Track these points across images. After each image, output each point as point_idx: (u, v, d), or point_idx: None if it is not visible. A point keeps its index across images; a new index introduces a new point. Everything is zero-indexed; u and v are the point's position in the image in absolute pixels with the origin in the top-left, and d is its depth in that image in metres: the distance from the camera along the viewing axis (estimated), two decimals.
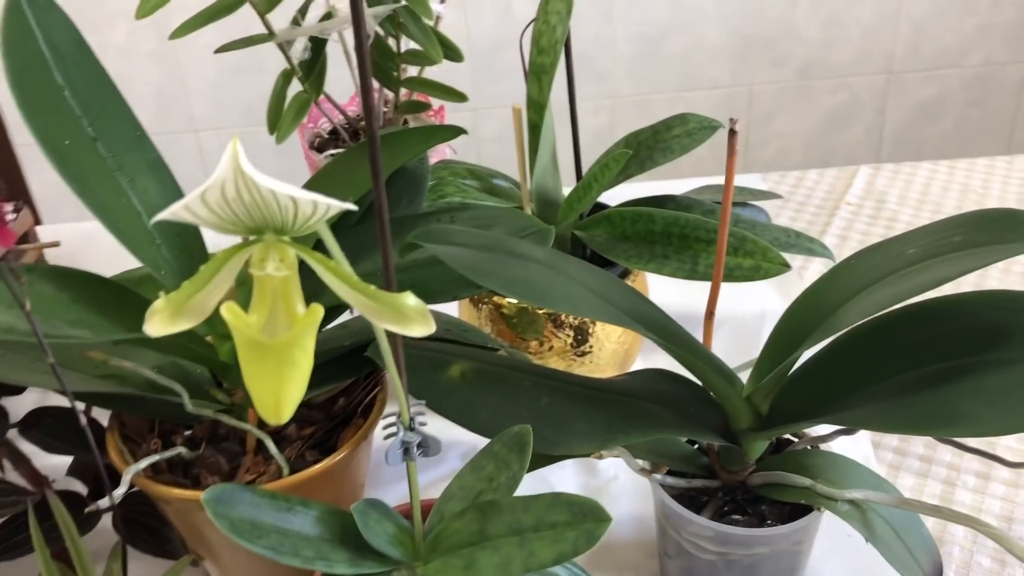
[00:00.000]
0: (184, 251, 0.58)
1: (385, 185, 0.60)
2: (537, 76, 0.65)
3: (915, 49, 2.01)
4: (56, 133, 0.53)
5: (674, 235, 0.63)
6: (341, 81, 0.91)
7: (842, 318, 0.52)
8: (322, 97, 0.89)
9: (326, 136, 0.94)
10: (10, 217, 0.45)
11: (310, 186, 0.58)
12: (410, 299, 0.32)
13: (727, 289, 0.58)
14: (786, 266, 0.60)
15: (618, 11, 1.94)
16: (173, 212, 0.28)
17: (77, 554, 0.45)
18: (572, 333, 0.72)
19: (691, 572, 0.58)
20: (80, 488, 0.65)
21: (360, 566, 0.46)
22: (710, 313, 0.56)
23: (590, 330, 0.72)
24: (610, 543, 0.67)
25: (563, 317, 0.71)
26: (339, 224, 0.59)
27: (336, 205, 0.28)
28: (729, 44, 2.00)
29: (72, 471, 0.65)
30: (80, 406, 0.63)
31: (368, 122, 0.34)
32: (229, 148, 0.26)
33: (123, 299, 0.57)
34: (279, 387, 0.31)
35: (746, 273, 0.60)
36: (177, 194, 0.58)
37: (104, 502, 0.51)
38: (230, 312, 0.30)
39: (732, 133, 0.50)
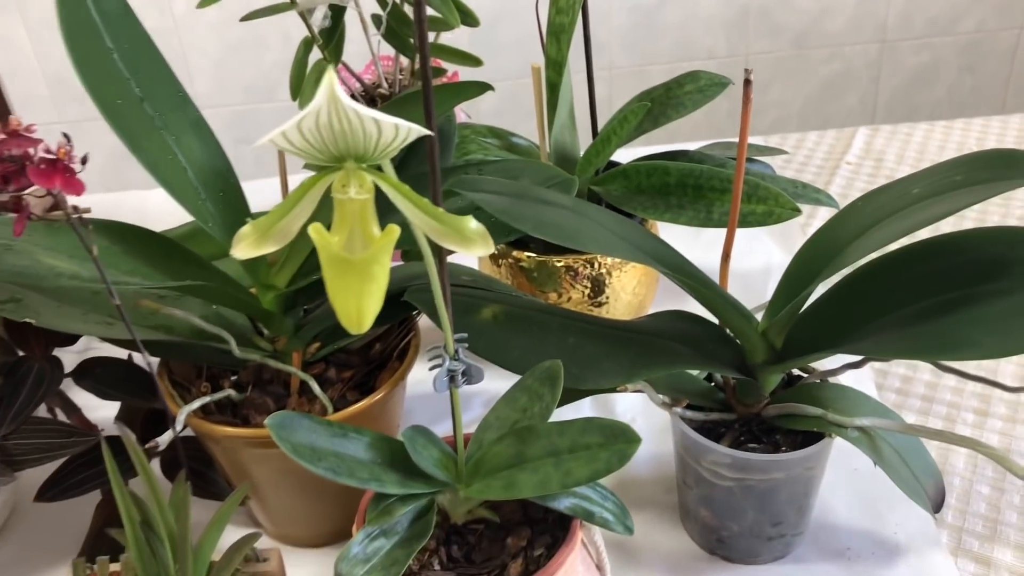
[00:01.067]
0: (228, 206, 0.61)
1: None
2: (556, 35, 0.68)
3: (908, 17, 2.03)
4: (108, 93, 0.56)
5: (689, 186, 0.66)
6: (357, 50, 0.93)
7: (851, 255, 0.55)
8: (339, 65, 0.92)
9: None
10: (78, 169, 0.48)
11: None
12: (472, 222, 0.35)
13: (734, 245, 0.61)
14: (797, 210, 0.63)
15: None
16: (271, 139, 0.31)
17: (149, 482, 0.48)
18: (589, 285, 0.76)
19: (710, 500, 0.62)
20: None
21: (409, 487, 0.50)
22: (726, 255, 0.59)
23: (606, 281, 0.76)
24: (630, 480, 0.71)
25: (580, 269, 0.75)
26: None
27: (416, 129, 0.31)
28: (724, 14, 2.03)
29: (120, 418, 0.69)
30: (127, 353, 0.67)
31: (424, 73, 0.37)
32: (326, 79, 0.29)
33: (170, 252, 0.60)
34: (360, 300, 0.34)
35: (759, 218, 0.63)
36: (219, 151, 0.62)
37: (164, 438, 0.55)
38: (316, 232, 0.34)
39: (747, 83, 0.53)
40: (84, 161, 0.48)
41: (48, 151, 0.47)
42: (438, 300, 0.46)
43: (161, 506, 0.49)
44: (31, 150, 0.47)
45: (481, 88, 0.59)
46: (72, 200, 0.48)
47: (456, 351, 0.48)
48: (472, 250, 0.36)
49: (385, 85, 0.96)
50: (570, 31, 0.67)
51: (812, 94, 2.15)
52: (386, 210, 0.39)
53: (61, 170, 0.47)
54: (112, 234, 0.59)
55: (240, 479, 0.64)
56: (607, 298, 0.76)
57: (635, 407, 0.77)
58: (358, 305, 0.34)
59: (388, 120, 0.31)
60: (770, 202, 0.63)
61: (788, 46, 2.08)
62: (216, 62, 1.98)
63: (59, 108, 2.01)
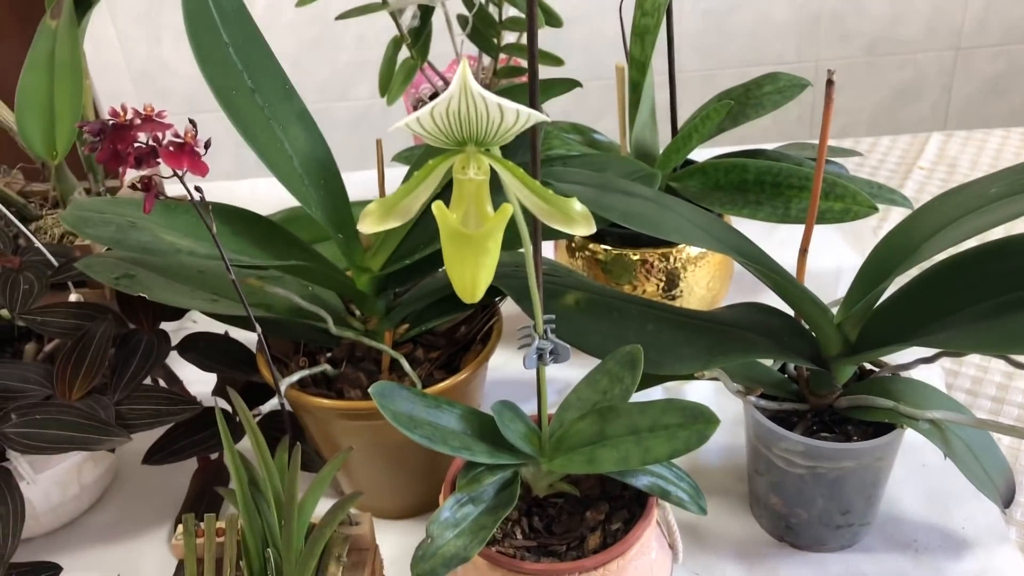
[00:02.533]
0: (328, 193, 0.65)
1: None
2: (640, 36, 0.70)
3: (984, 24, 2.01)
4: (225, 84, 0.60)
5: (767, 183, 0.68)
6: (439, 49, 0.97)
7: (926, 251, 0.57)
8: (425, 63, 0.95)
9: (427, 100, 1.01)
10: (202, 152, 0.52)
11: None
12: (577, 204, 0.38)
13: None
14: (874, 208, 0.65)
15: None
16: (407, 123, 0.35)
17: (257, 444, 0.52)
18: (664, 278, 0.78)
19: (780, 487, 0.64)
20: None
21: (497, 457, 0.53)
22: (804, 250, 0.61)
23: (681, 275, 0.78)
24: (701, 468, 0.73)
25: (655, 263, 0.77)
26: None
27: (535, 115, 0.34)
28: (796, 20, 2.03)
29: (217, 391, 0.73)
30: (224, 329, 0.70)
31: (531, 64, 0.40)
32: (460, 69, 0.32)
33: (274, 234, 0.64)
34: (476, 271, 0.37)
35: (836, 215, 0.65)
36: (321, 142, 0.66)
37: (267, 406, 0.58)
38: (438, 209, 0.37)
39: (830, 83, 0.55)
40: (207, 145, 0.52)
41: (176, 135, 0.51)
42: (532, 283, 0.48)
43: (268, 468, 0.52)
44: (160, 134, 0.51)
45: (570, 85, 0.62)
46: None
47: (545, 331, 0.51)
48: (575, 229, 0.39)
49: None
50: (654, 32, 0.69)
51: (882, 101, 2.13)
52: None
53: (188, 152, 0.50)
54: (222, 216, 0.63)
55: (331, 450, 0.68)
56: (681, 292, 0.78)
57: (706, 398, 0.79)
58: (473, 276, 0.37)
59: (511, 106, 0.34)
60: (847, 200, 0.65)
61: (860, 52, 2.07)
62: (292, 61, 2.04)
63: (142, 102, 2.09)
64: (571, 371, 0.60)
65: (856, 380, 0.65)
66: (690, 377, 0.63)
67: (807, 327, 0.62)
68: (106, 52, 2.01)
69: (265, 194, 1.05)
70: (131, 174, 0.97)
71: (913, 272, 0.58)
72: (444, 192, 0.40)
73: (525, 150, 0.69)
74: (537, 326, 0.51)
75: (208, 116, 0.56)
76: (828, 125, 0.58)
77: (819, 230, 0.71)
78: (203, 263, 0.58)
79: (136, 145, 0.50)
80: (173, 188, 0.98)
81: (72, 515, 0.72)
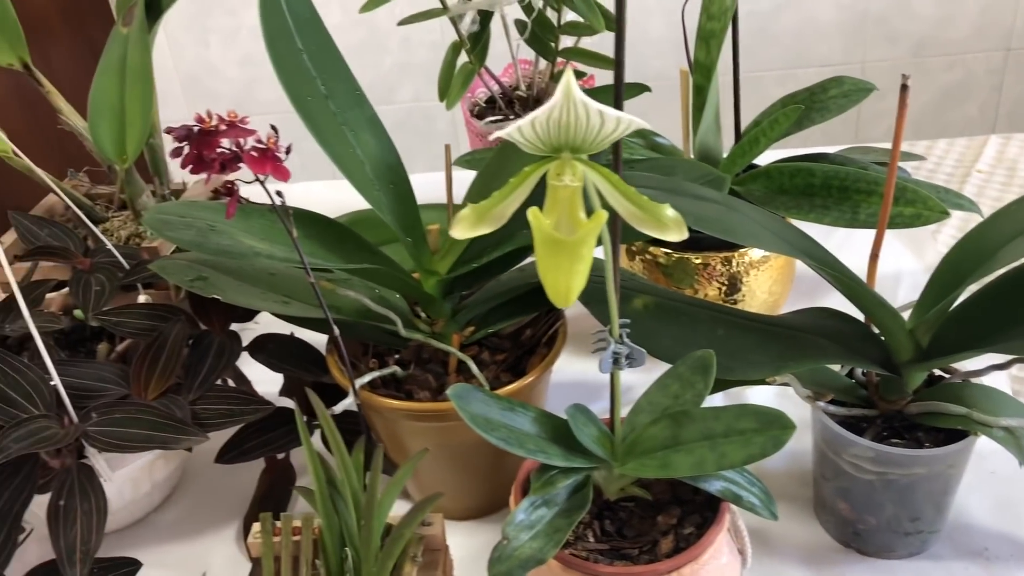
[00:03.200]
0: (397, 197, 0.66)
1: None
2: (706, 40, 0.70)
3: None
4: (300, 90, 0.61)
5: (834, 187, 0.68)
6: (493, 53, 0.98)
7: (1003, 258, 0.56)
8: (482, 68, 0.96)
9: (483, 104, 1.01)
10: (282, 155, 0.53)
11: (508, 145, 0.66)
12: (669, 210, 0.39)
13: (863, 250, 0.63)
14: (946, 213, 0.64)
15: None
16: (508, 132, 0.35)
17: (336, 444, 0.53)
18: (725, 282, 0.78)
19: (848, 493, 0.64)
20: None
21: (571, 460, 0.53)
22: (874, 255, 0.61)
23: (743, 279, 0.78)
24: (766, 473, 0.73)
25: (717, 267, 0.77)
26: None
27: (637, 122, 0.35)
28: (841, 21, 2.01)
29: (284, 391, 0.74)
30: (289, 331, 0.71)
31: (617, 68, 0.41)
32: (565, 79, 0.33)
33: (344, 237, 0.65)
34: (570, 277, 0.38)
35: (907, 220, 0.65)
36: (391, 147, 0.66)
37: (341, 406, 0.59)
38: (534, 215, 0.37)
39: (904, 88, 0.55)
40: (288, 151, 0.53)
41: (259, 141, 0.52)
42: (609, 288, 0.49)
43: (347, 468, 0.53)
44: (242, 140, 0.52)
45: (639, 89, 0.62)
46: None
47: (621, 335, 0.51)
48: (667, 235, 0.39)
49: (523, 87, 1.00)
50: (720, 37, 0.69)
51: (930, 102, 2.11)
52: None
53: (271, 158, 0.51)
54: (295, 219, 0.64)
55: (397, 450, 0.69)
56: (743, 296, 0.78)
57: (766, 402, 0.78)
58: (567, 282, 0.38)
59: (612, 113, 0.34)
60: (918, 204, 0.64)
61: (906, 54, 2.04)
62: None
63: (190, 105, 2.12)
64: (635, 376, 0.61)
65: (925, 386, 0.64)
66: (759, 382, 0.63)
67: (877, 332, 0.62)
68: (155, 55, 2.04)
69: (319, 197, 1.07)
70: (205, 178, 0.99)
71: (987, 278, 0.58)
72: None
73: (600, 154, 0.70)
74: (613, 330, 0.51)
75: (255, 120, 0.57)
76: (902, 130, 0.57)
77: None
78: (276, 265, 0.59)
79: (220, 150, 0.51)
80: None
81: (143, 511, 0.73)
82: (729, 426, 0.53)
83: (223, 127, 0.51)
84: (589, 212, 0.38)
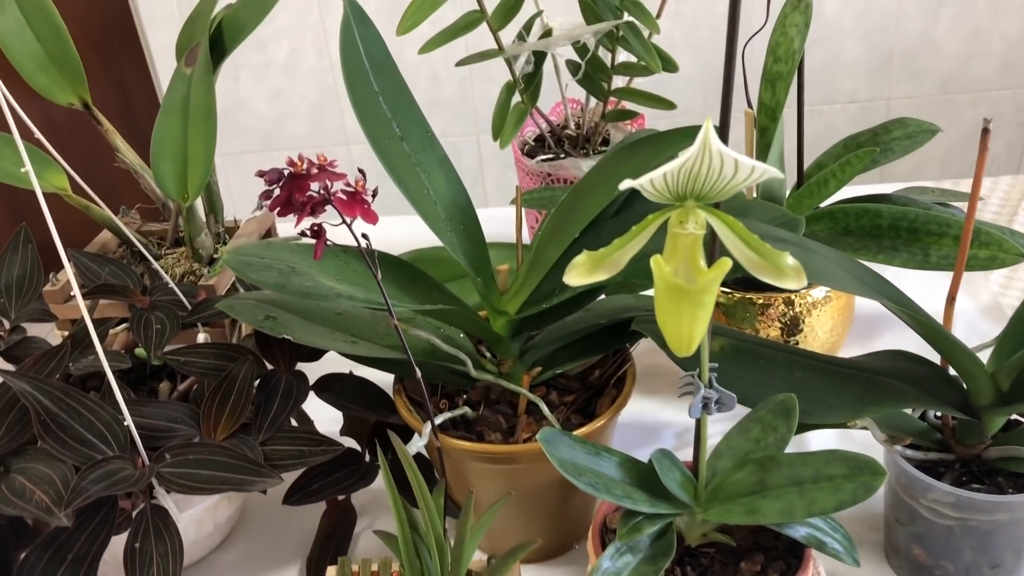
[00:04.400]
0: (468, 237, 0.66)
1: None
2: (771, 82, 0.71)
3: None
4: (377, 132, 0.62)
5: (903, 228, 0.68)
6: (542, 92, 0.98)
7: None
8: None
9: (532, 143, 1.02)
10: (369, 199, 0.53)
11: (582, 185, 0.66)
12: (789, 258, 0.39)
13: (914, 288, 0.62)
14: (1021, 256, 0.64)
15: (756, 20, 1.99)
16: (640, 183, 0.35)
17: (419, 487, 0.53)
18: (787, 323, 0.78)
19: (924, 538, 0.63)
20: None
21: (657, 506, 0.53)
22: (951, 297, 0.61)
23: (803, 320, 0.78)
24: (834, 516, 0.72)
25: (778, 307, 0.77)
26: (601, 215, 0.66)
27: (771, 171, 0.35)
28: (867, 58, 2.02)
29: (346, 431, 0.74)
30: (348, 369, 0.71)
31: (725, 100, 0.41)
32: (704, 130, 0.33)
33: (416, 278, 0.65)
34: (692, 325, 0.37)
35: (982, 263, 0.65)
36: (460, 188, 0.67)
37: (415, 447, 0.59)
38: (656, 263, 0.37)
39: (985, 131, 0.55)
40: (375, 194, 0.53)
41: (348, 184, 0.52)
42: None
43: (430, 512, 0.53)
44: (329, 183, 0.53)
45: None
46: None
47: (710, 380, 0.51)
48: (785, 283, 0.39)
49: (572, 126, 1.01)
50: (788, 79, 0.70)
51: (956, 139, 2.11)
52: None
53: (360, 201, 0.52)
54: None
55: (462, 492, 0.68)
56: (804, 336, 0.78)
57: (829, 445, 0.78)
58: (689, 329, 0.37)
59: (747, 162, 0.34)
60: (993, 247, 0.64)
61: (932, 90, 2.05)
62: None
63: (221, 139, 2.14)
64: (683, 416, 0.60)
65: (1002, 430, 0.63)
66: (840, 425, 0.63)
67: (954, 375, 0.62)
68: None
69: (375, 234, 1.07)
70: (259, 215, 0.99)
71: None
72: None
73: None
74: (703, 375, 0.51)
75: (281, 154, 0.57)
76: (982, 172, 0.57)
77: (928, 274, 0.70)
78: (343, 304, 0.59)
79: (310, 193, 0.52)
80: (284, 228, 1.00)
81: (204, 552, 0.73)
82: (818, 472, 0.52)
83: (314, 170, 0.51)
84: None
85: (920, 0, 1.94)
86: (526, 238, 0.97)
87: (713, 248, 0.43)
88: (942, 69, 2.02)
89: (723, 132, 0.41)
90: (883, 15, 1.96)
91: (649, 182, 0.35)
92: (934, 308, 0.66)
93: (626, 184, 0.35)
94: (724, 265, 0.37)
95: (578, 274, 0.40)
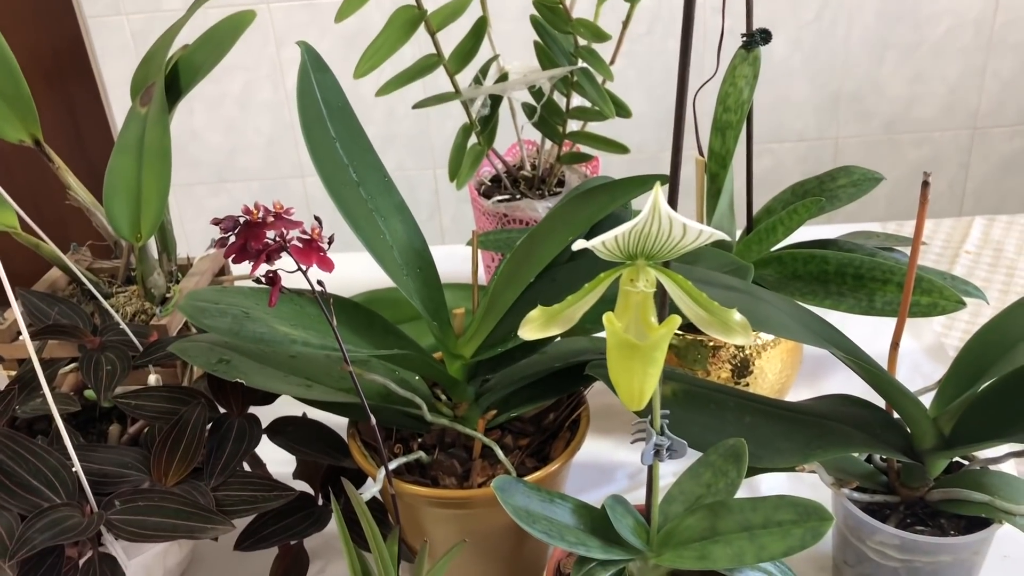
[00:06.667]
0: (424, 281, 0.66)
1: (597, 225, 0.68)
2: (721, 131, 0.73)
3: (1001, 105, 2.06)
4: (334, 177, 0.62)
5: (848, 275, 0.70)
6: (498, 133, 0.99)
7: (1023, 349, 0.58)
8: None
9: (488, 183, 1.03)
10: (325, 246, 0.53)
11: (537, 231, 0.67)
12: (736, 315, 0.40)
13: (860, 331, 0.64)
14: (962, 303, 0.66)
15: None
16: (593, 244, 0.36)
17: (372, 535, 0.52)
18: (737, 365, 0.79)
19: None
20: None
21: (610, 552, 0.53)
22: (895, 344, 0.62)
23: (753, 361, 0.79)
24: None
25: (730, 349, 0.78)
26: (556, 260, 0.67)
27: (717, 234, 0.36)
28: (815, 98, 2.08)
29: (299, 474, 0.73)
30: (301, 412, 0.71)
31: (676, 147, 0.42)
32: (653, 195, 0.34)
33: (371, 321, 0.66)
34: (643, 380, 0.38)
35: (923, 309, 0.67)
36: (417, 232, 0.67)
37: (369, 492, 0.59)
38: (608, 320, 0.38)
39: (925, 184, 0.57)
40: (331, 241, 0.53)
41: (304, 232, 0.52)
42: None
43: (383, 559, 0.53)
44: (285, 231, 0.53)
45: (662, 179, 0.64)
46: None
47: (662, 427, 0.52)
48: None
49: (528, 167, 1.02)
50: (737, 128, 0.71)
51: (901, 178, 2.17)
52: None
53: (316, 249, 0.52)
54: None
55: (416, 537, 0.68)
56: (754, 378, 0.79)
57: (780, 488, 0.79)
58: (640, 385, 0.38)
59: (695, 226, 0.35)
60: (935, 294, 0.66)
61: (878, 131, 2.11)
62: None
63: (175, 171, 2.12)
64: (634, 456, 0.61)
65: (944, 473, 0.65)
66: (787, 469, 0.64)
67: (899, 418, 0.63)
68: None
69: (326, 276, 1.07)
70: (211, 254, 0.98)
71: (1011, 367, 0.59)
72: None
73: None
74: (655, 422, 0.52)
75: (235, 186, 0.56)
76: (923, 222, 0.59)
77: (872, 317, 0.72)
78: (300, 349, 0.59)
79: (266, 241, 0.52)
80: (239, 266, 0.99)
81: None
82: (767, 517, 0.53)
83: (270, 219, 0.51)
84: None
85: (866, 44, 2.00)
86: (482, 278, 0.98)
87: (664, 304, 0.43)
88: (887, 110, 2.08)
89: (674, 177, 0.42)
90: (831, 57, 2.02)
91: (601, 243, 0.36)
92: (879, 350, 0.68)
93: (579, 245, 0.36)
94: (673, 322, 0.38)
95: (532, 329, 0.41)
